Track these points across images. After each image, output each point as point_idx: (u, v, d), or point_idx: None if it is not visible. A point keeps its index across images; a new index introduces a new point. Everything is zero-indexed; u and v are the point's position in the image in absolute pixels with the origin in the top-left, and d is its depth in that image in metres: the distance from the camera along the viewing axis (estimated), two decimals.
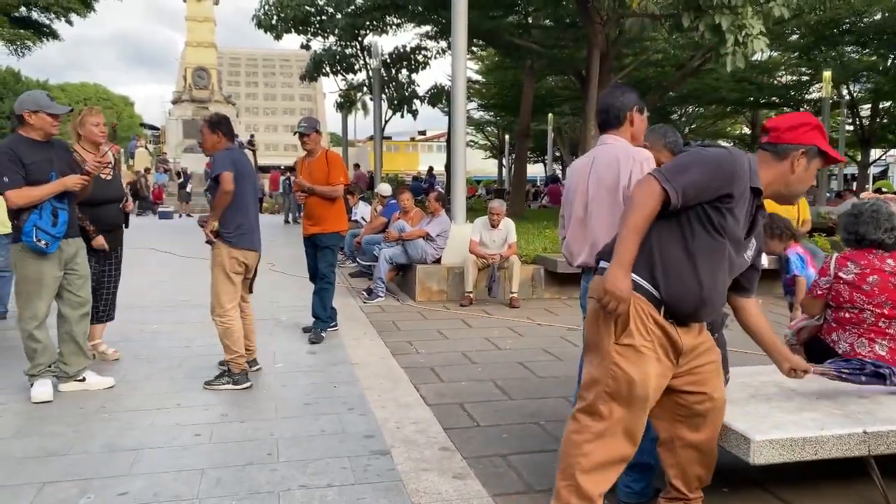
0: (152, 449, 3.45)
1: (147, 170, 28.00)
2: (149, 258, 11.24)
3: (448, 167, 15.35)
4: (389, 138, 45.93)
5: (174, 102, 37.79)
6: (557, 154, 33.30)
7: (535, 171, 40.68)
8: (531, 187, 31.03)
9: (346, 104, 23.63)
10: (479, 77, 27.71)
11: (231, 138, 4.75)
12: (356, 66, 21.15)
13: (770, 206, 8.29)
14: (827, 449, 2.57)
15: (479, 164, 47.39)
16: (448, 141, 15.98)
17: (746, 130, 33.59)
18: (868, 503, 2.88)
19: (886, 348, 3.23)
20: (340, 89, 22.99)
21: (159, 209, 24.66)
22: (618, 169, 2.77)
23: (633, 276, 2.21)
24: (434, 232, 8.01)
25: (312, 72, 20.92)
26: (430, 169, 30.09)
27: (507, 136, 33.89)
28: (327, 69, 20.82)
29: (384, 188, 11.41)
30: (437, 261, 8.05)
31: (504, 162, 37.65)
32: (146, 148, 35.20)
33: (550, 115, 27.24)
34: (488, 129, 38.00)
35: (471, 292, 7.59)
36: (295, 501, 2.88)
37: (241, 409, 4.10)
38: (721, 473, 3.14)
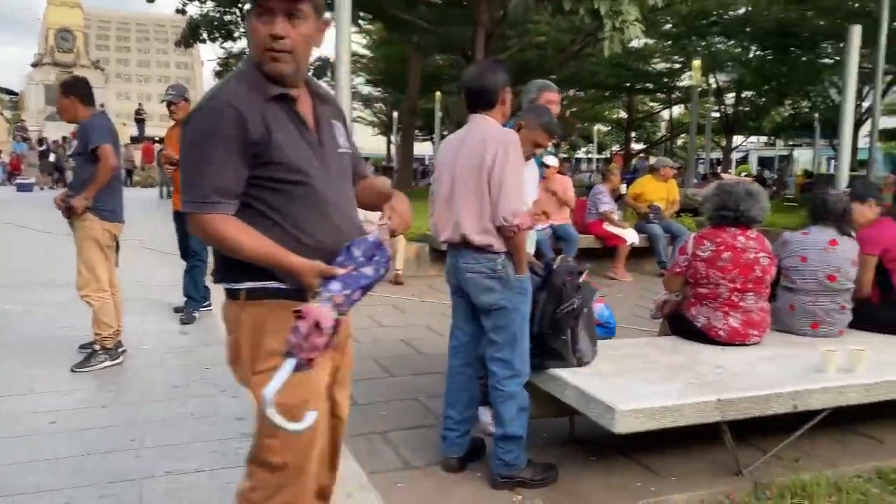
0: (3, 438, 3.18)
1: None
2: (5, 234, 10.36)
3: None
4: None
5: (35, 66, 34.87)
6: (446, 133, 33.38)
7: (423, 149, 40.75)
8: (419, 166, 31.09)
9: (226, 73, 22.63)
10: (366, 51, 27.31)
11: (91, 103, 4.41)
12: (236, 34, 20.25)
13: (642, 186, 8.55)
14: (685, 417, 2.72)
15: (368, 141, 46.92)
16: None
17: (623, 114, 35.17)
18: (721, 465, 3.08)
19: (739, 320, 3.47)
20: (219, 57, 22.00)
21: (17, 181, 22.78)
22: (484, 150, 2.76)
23: (240, 284, 1.77)
24: None
25: (188, 38, 19.80)
26: None
27: (395, 114, 33.72)
28: (204, 35, 19.79)
29: None
30: None
31: (392, 139, 37.49)
32: (1, 115, 32.31)
33: (438, 93, 27.32)
34: (376, 105, 37.63)
35: None
36: (159, 488, 2.74)
37: (104, 393, 3.86)
38: (588, 443, 3.29)
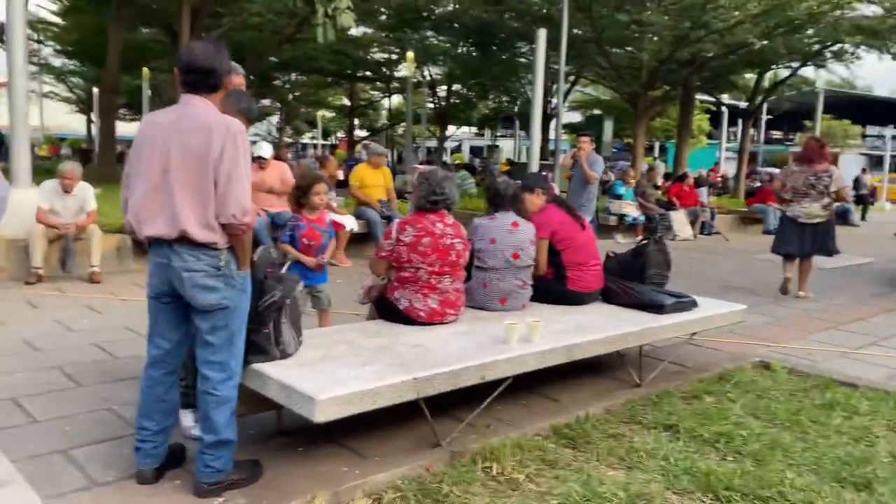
0: None
1: None
2: None
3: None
4: None
5: None
6: None
7: (130, 130, 37.21)
8: (125, 148, 28.34)
9: None
10: (57, 19, 24.11)
11: None
12: None
13: (360, 174, 8.72)
14: (384, 398, 2.82)
15: (63, 119, 41.63)
16: None
17: (346, 101, 35.67)
18: (423, 439, 3.25)
19: (437, 301, 3.69)
20: None
21: None
22: (209, 139, 2.52)
23: None
24: None
25: None
26: None
27: (95, 90, 30.30)
28: None
29: None
30: None
31: (94, 119, 33.67)
32: None
33: (146, 69, 25.10)
34: (73, 79, 33.49)
35: (39, 268, 6.59)
36: None
37: None
38: (297, 434, 3.27)
